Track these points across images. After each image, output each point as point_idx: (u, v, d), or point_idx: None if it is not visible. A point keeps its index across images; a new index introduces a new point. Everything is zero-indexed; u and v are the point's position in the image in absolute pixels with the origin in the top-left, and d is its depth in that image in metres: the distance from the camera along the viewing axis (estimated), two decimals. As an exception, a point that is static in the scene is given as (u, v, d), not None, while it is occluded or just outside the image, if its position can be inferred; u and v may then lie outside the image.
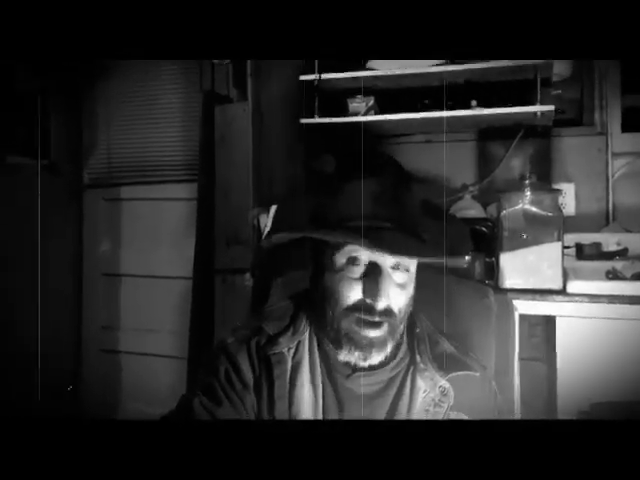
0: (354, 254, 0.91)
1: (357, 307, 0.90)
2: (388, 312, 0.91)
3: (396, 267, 0.91)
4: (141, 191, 2.57)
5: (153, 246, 2.52)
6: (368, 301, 0.90)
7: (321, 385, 0.95)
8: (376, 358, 0.92)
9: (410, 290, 0.94)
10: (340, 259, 0.92)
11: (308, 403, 0.93)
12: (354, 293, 0.91)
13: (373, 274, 0.90)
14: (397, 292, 0.92)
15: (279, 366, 0.94)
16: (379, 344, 0.91)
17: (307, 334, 0.98)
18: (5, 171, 2.23)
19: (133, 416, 2.46)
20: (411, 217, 0.93)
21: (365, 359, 0.91)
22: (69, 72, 2.46)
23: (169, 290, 2.46)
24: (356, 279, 0.91)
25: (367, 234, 0.88)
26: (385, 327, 0.91)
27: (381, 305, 0.89)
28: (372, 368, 0.94)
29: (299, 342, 0.97)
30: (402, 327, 0.95)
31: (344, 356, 0.93)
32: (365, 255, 0.90)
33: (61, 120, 2.51)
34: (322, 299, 0.95)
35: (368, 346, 0.91)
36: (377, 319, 0.90)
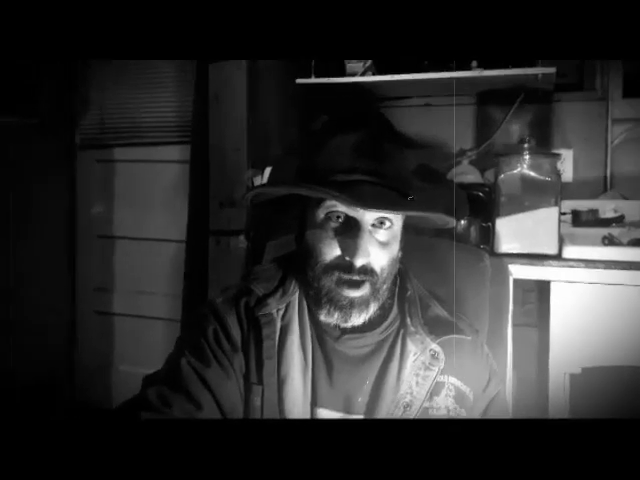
0: (332, 209, 0.88)
1: (336, 265, 0.88)
2: (369, 271, 0.88)
3: (378, 224, 0.89)
4: (135, 152, 2.53)
5: (147, 208, 2.49)
6: (347, 259, 0.87)
7: (311, 347, 0.93)
8: (357, 319, 0.90)
9: (394, 249, 0.92)
10: (320, 215, 0.90)
11: (297, 365, 0.92)
12: (333, 250, 0.88)
13: (351, 231, 0.87)
14: (379, 250, 0.89)
15: (268, 327, 0.92)
16: (360, 304, 0.89)
17: (297, 295, 0.96)
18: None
19: (126, 377, 2.48)
20: (395, 172, 0.90)
21: (345, 320, 0.89)
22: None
23: (163, 252, 2.45)
24: (335, 236, 0.89)
25: (344, 188, 0.85)
26: (367, 287, 0.88)
27: (359, 262, 0.86)
28: (361, 330, 0.93)
29: (288, 303, 0.95)
30: (385, 287, 0.92)
31: (324, 317, 0.91)
32: (344, 211, 0.88)
33: (52, 78, 2.45)
34: (304, 257, 0.93)
35: (348, 306, 0.89)
36: (357, 278, 0.87)
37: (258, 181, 1.78)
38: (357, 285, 0.88)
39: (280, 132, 2.00)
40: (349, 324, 0.90)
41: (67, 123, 2.57)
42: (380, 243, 0.89)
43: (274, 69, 1.97)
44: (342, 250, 0.88)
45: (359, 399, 0.91)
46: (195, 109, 2.00)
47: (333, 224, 0.89)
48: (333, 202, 0.87)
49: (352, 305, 0.89)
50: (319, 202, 0.89)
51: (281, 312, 0.94)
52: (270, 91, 1.94)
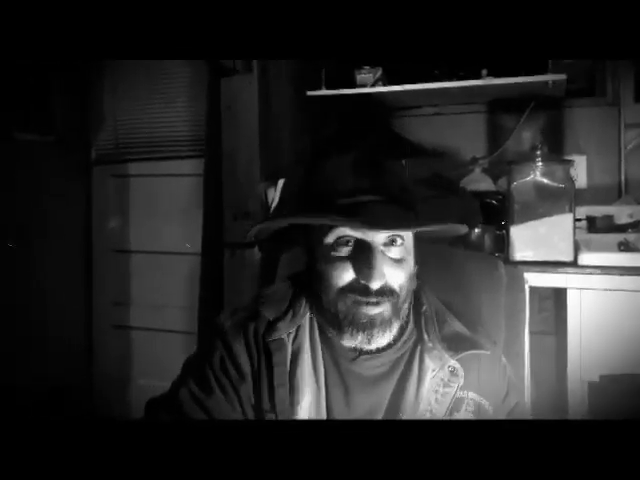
0: (341, 235, 0.86)
1: (351, 289, 0.86)
2: (388, 291, 0.86)
3: (390, 242, 0.87)
4: (149, 167, 2.55)
5: (162, 222, 2.51)
6: (362, 282, 0.85)
7: (323, 370, 0.92)
8: (381, 339, 0.88)
9: (409, 264, 0.90)
10: (329, 240, 0.87)
11: (310, 389, 0.90)
12: (346, 274, 0.86)
13: (364, 253, 0.85)
14: (394, 268, 0.87)
15: (279, 353, 0.90)
16: (382, 323, 0.87)
17: (307, 318, 0.94)
18: (12, 147, 2.22)
19: (145, 391, 2.48)
20: (399, 185, 0.89)
21: (369, 341, 0.87)
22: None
23: (178, 266, 2.46)
24: (347, 259, 0.86)
25: (349, 211, 0.84)
26: (387, 306, 0.86)
27: (376, 285, 0.84)
28: (377, 349, 0.91)
29: (299, 326, 0.93)
30: (406, 306, 0.91)
31: (347, 341, 0.89)
32: (353, 235, 0.86)
33: (67, 96, 2.49)
34: (317, 283, 0.91)
35: (369, 326, 0.86)
36: (375, 300, 0.85)
37: (271, 193, 1.79)
38: (376, 305, 0.86)
39: (292, 143, 2.01)
40: (373, 346, 0.88)
41: (82, 139, 2.61)
42: (394, 261, 0.87)
43: (285, 80, 1.99)
44: (356, 274, 0.86)
45: (378, 419, 0.90)
46: (208, 122, 2.02)
47: (344, 248, 0.87)
48: (342, 228, 0.86)
49: (373, 324, 0.86)
50: (327, 228, 0.87)
51: (292, 336, 0.92)
52: (281, 102, 1.95)
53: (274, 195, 1.77)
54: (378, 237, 0.86)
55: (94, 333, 2.65)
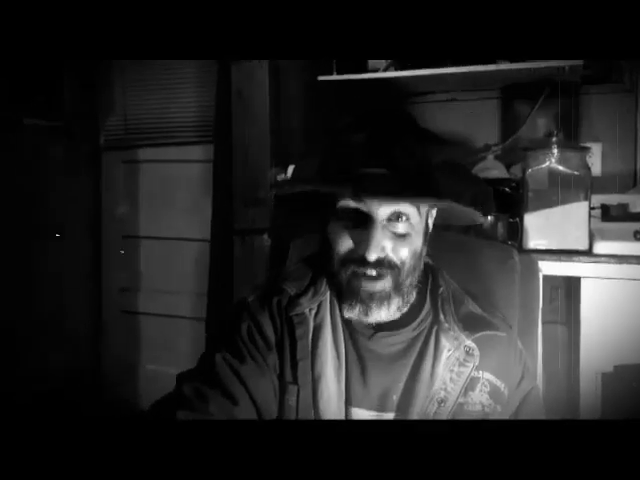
0: (345, 206, 0.89)
1: (350, 259, 0.89)
2: (386, 264, 0.88)
3: (394, 219, 0.88)
4: (159, 153, 2.55)
5: (172, 208, 2.51)
6: (360, 252, 0.87)
7: (344, 345, 0.93)
8: (378, 313, 0.90)
9: (415, 242, 0.91)
10: (335, 211, 0.91)
11: (331, 364, 0.92)
12: (346, 244, 0.89)
13: (363, 225, 0.87)
14: (396, 243, 0.88)
15: (301, 327, 0.93)
16: (381, 298, 0.89)
17: (328, 295, 0.96)
18: (22, 133, 2.22)
19: (153, 376, 2.50)
20: (411, 165, 0.89)
21: (366, 314, 0.90)
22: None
23: (188, 252, 2.46)
24: (348, 230, 0.89)
25: (354, 182, 0.85)
26: (387, 280, 0.88)
27: (372, 257, 0.86)
28: (394, 327, 0.93)
29: (320, 303, 0.96)
30: (409, 282, 0.92)
31: (346, 311, 0.92)
32: (357, 206, 0.88)
33: (76, 81, 2.48)
34: (324, 252, 0.94)
35: (368, 300, 0.89)
36: (372, 271, 0.87)
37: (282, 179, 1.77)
38: (375, 278, 0.88)
39: (303, 130, 1.99)
40: (371, 319, 0.90)
41: (91, 125, 2.60)
42: (397, 236, 0.89)
43: (296, 66, 1.96)
44: (355, 244, 0.89)
45: (393, 397, 0.92)
46: (218, 108, 2.00)
47: (347, 219, 0.89)
48: (346, 199, 0.88)
49: (372, 299, 0.89)
50: (335, 200, 0.90)
51: (313, 311, 0.95)
52: (293, 88, 1.93)
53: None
54: (381, 211, 0.87)
55: (103, 318, 2.66)
